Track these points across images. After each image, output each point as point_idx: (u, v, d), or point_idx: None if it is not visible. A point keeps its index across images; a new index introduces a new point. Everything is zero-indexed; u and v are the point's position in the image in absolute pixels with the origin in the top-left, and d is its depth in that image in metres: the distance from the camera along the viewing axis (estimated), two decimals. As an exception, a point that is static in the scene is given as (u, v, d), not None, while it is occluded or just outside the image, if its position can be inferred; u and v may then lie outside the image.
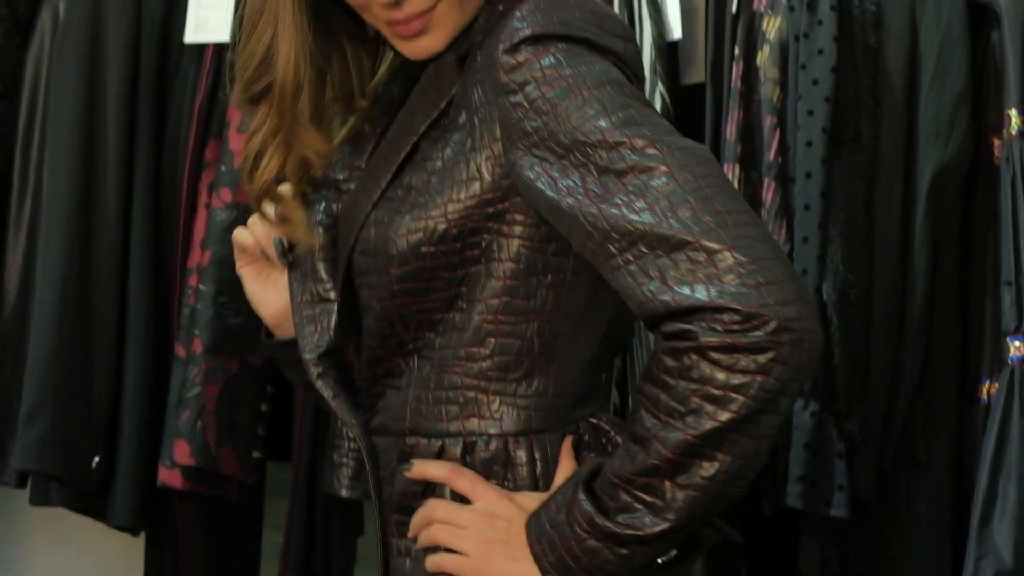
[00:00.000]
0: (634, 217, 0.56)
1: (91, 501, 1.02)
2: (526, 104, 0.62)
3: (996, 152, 1.06)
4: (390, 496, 0.69)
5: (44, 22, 1.02)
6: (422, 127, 0.68)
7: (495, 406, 0.67)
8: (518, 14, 0.63)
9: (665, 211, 0.55)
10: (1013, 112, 1.02)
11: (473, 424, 0.67)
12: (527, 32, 0.62)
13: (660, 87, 1.05)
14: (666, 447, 0.53)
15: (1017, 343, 1.02)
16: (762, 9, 1.05)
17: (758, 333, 0.52)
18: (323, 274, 0.72)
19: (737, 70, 1.04)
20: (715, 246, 0.54)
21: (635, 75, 0.66)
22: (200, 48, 0.98)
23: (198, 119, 0.98)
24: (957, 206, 1.08)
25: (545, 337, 0.67)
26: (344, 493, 0.85)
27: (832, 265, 1.02)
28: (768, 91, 1.04)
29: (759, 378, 0.52)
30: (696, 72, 1.10)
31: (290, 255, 0.73)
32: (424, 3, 0.65)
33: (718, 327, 0.52)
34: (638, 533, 0.56)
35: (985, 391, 1.06)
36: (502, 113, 0.63)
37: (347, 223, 0.71)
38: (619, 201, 0.57)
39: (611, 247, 0.57)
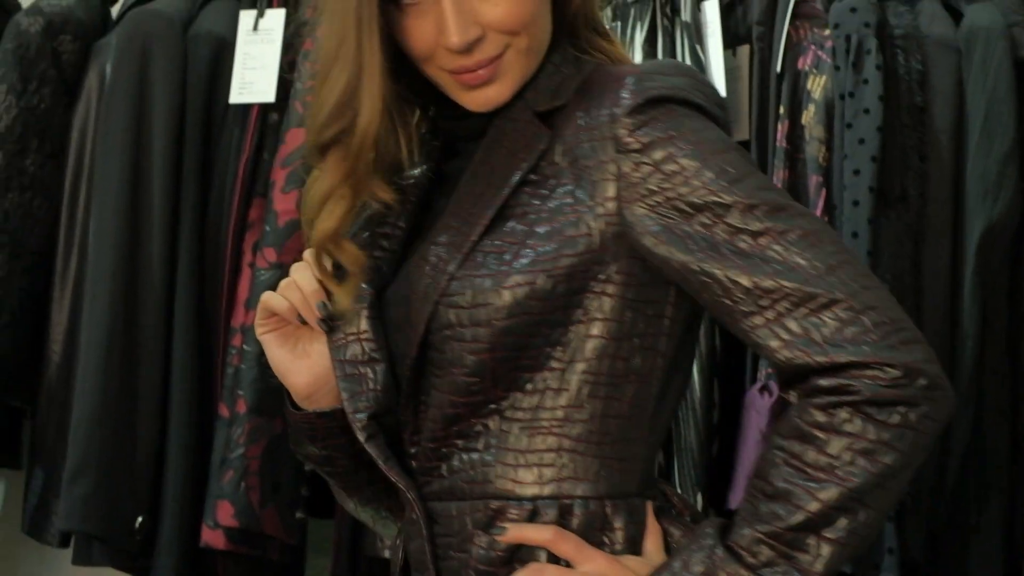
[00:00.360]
0: (779, 276, 0.58)
1: (134, 561, 1.01)
2: (651, 164, 0.63)
3: None
4: (463, 563, 0.67)
5: (91, 82, 1.03)
6: (512, 180, 0.67)
7: (594, 469, 0.66)
8: (632, 77, 0.65)
9: (808, 271, 0.57)
10: None
11: (569, 487, 0.66)
12: (650, 94, 0.63)
13: None
14: (817, 501, 0.54)
15: None
16: (807, 68, 1.05)
17: (913, 389, 0.54)
18: (370, 332, 0.69)
19: (782, 129, 1.05)
20: (860, 305, 0.56)
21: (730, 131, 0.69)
22: (245, 108, 0.99)
23: (242, 179, 0.98)
24: (1006, 265, 1.07)
25: (640, 400, 0.67)
26: (388, 554, 0.85)
27: None
28: (814, 150, 1.04)
29: (910, 432, 0.54)
30: (740, 130, 1.09)
31: (332, 321, 0.71)
32: (495, 48, 0.66)
33: (875, 382, 0.54)
34: None
35: None
36: (621, 172, 0.63)
37: (423, 276, 0.68)
38: (760, 260, 0.59)
39: (753, 305, 0.59)
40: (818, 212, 1.03)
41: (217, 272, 0.98)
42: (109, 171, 0.99)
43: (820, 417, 0.57)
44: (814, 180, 1.04)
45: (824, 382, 0.57)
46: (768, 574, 0.57)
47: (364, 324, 0.69)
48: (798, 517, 0.56)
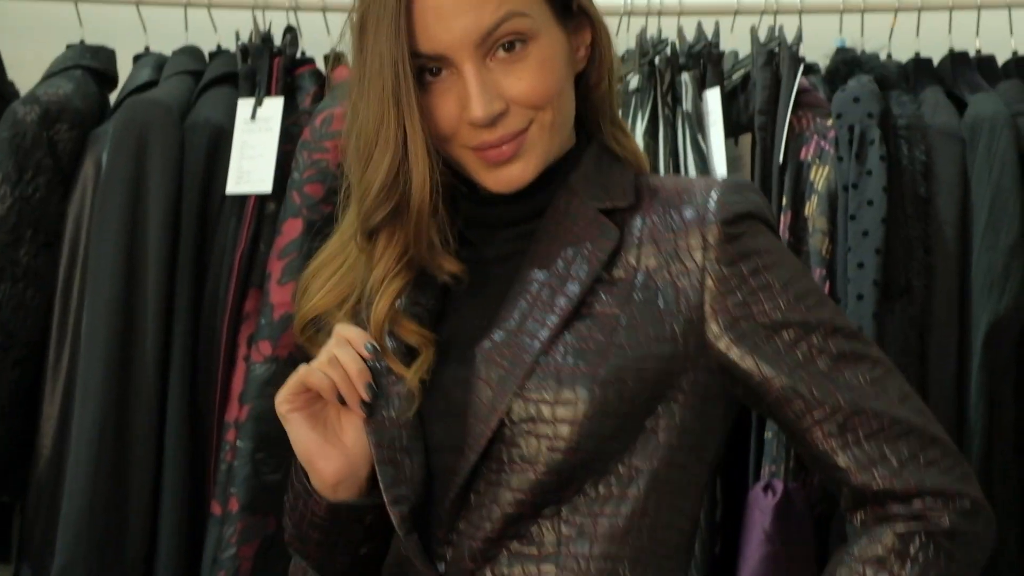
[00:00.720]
0: (861, 400, 0.62)
1: None
2: (740, 278, 0.64)
3: None
4: None
5: (87, 172, 1.01)
6: (587, 277, 0.66)
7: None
8: (719, 189, 0.66)
9: (885, 398, 0.62)
10: None
11: None
12: (740, 209, 0.64)
13: None
14: None
15: None
16: (809, 159, 1.05)
17: (979, 522, 0.60)
18: (413, 419, 0.68)
19: (785, 220, 1.04)
20: (929, 436, 0.61)
21: None
22: (242, 199, 0.98)
23: (238, 270, 0.97)
24: (1013, 360, 1.06)
25: (692, 509, 0.69)
26: None
27: None
28: (817, 242, 1.04)
29: (973, 565, 0.61)
30: None
31: (376, 403, 0.68)
32: (519, 123, 0.65)
33: (950, 514, 0.59)
34: None
35: None
36: (710, 282, 0.64)
37: (493, 366, 0.66)
38: (843, 383, 0.62)
39: (834, 425, 0.62)
40: None
41: (211, 365, 0.97)
42: (103, 261, 0.97)
43: (898, 544, 0.59)
44: (817, 273, 1.03)
45: (901, 509, 0.60)
46: None
47: (406, 411, 0.66)
48: None
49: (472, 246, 0.72)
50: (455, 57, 0.64)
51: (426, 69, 0.66)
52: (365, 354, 0.66)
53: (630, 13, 1.13)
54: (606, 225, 0.68)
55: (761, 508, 1.02)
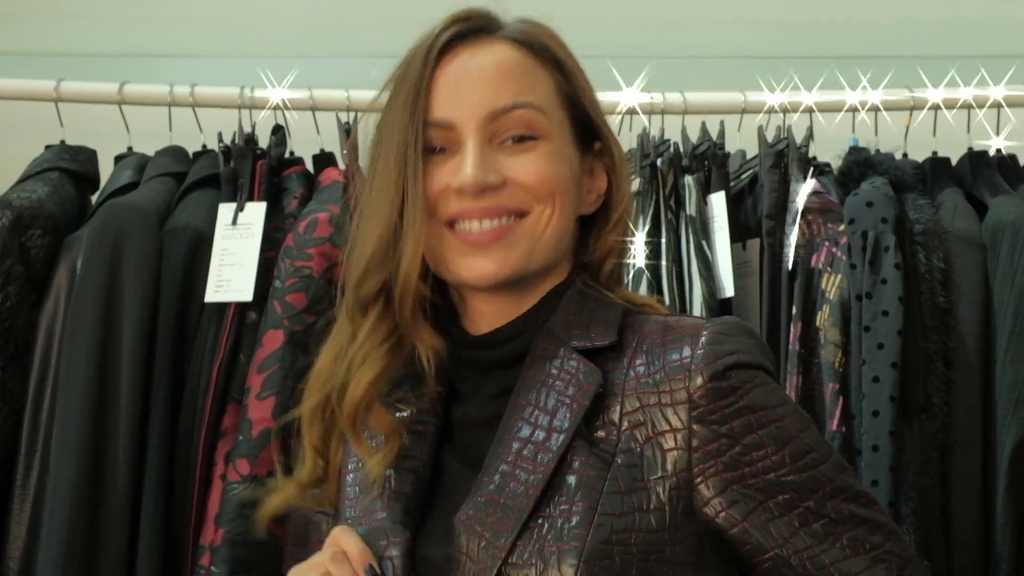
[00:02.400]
0: (868, 571, 0.59)
1: None
2: (730, 438, 0.60)
3: None
4: None
5: (60, 279, 0.97)
6: (569, 427, 0.63)
7: None
8: (706, 336, 0.62)
9: (890, 570, 0.59)
10: None
11: None
12: (729, 361, 0.60)
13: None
14: None
15: None
16: (820, 266, 1.01)
17: None
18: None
19: (795, 331, 1.00)
20: None
21: None
22: (222, 307, 0.94)
23: (216, 383, 0.92)
24: None
25: None
26: None
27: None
28: (829, 354, 0.98)
29: None
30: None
31: None
32: (510, 202, 0.64)
33: None
34: None
35: None
36: (697, 443, 0.60)
37: (474, 534, 0.63)
38: (839, 557, 0.59)
39: None
40: (834, 423, 0.98)
41: (187, 485, 0.92)
42: (75, 373, 0.93)
43: None
44: (830, 388, 0.98)
45: None
46: None
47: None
48: None
49: (462, 399, 0.69)
50: (461, 127, 0.64)
51: (434, 147, 0.65)
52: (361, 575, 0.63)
53: (632, 112, 1.10)
54: (588, 369, 0.64)
55: None
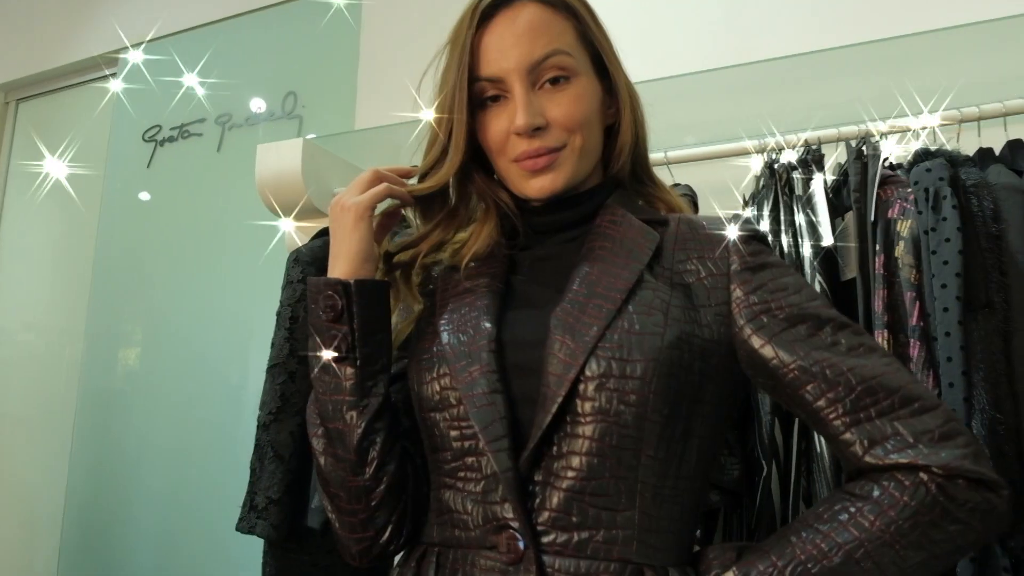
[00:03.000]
0: (877, 379, 0.62)
1: None
2: (761, 281, 0.69)
3: None
4: None
5: None
6: (641, 263, 0.70)
7: (688, 540, 0.68)
8: (743, 219, 0.73)
9: (904, 378, 0.63)
10: None
11: (683, 555, 0.65)
12: (755, 232, 0.73)
13: (820, 279, 1.23)
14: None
15: None
16: (895, 216, 1.19)
17: (989, 495, 0.61)
18: (495, 368, 0.67)
19: (879, 261, 1.17)
20: (949, 414, 0.63)
21: None
22: None
23: None
24: None
25: (705, 482, 0.71)
26: None
27: (979, 405, 1.08)
28: (906, 273, 1.15)
29: (969, 529, 0.61)
30: (848, 271, 1.24)
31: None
32: (555, 141, 0.72)
33: (955, 482, 0.60)
34: None
35: None
36: (737, 283, 0.69)
37: (568, 327, 0.66)
38: (857, 365, 0.63)
39: (849, 403, 0.62)
40: (913, 319, 1.13)
41: None
42: None
43: (894, 488, 0.61)
44: (908, 295, 1.14)
45: (906, 476, 0.61)
46: None
47: (487, 359, 0.68)
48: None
49: (527, 249, 0.80)
50: (508, 80, 0.72)
51: (487, 96, 0.74)
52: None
53: (763, 150, 1.36)
54: (649, 230, 0.73)
55: None
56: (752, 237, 0.72)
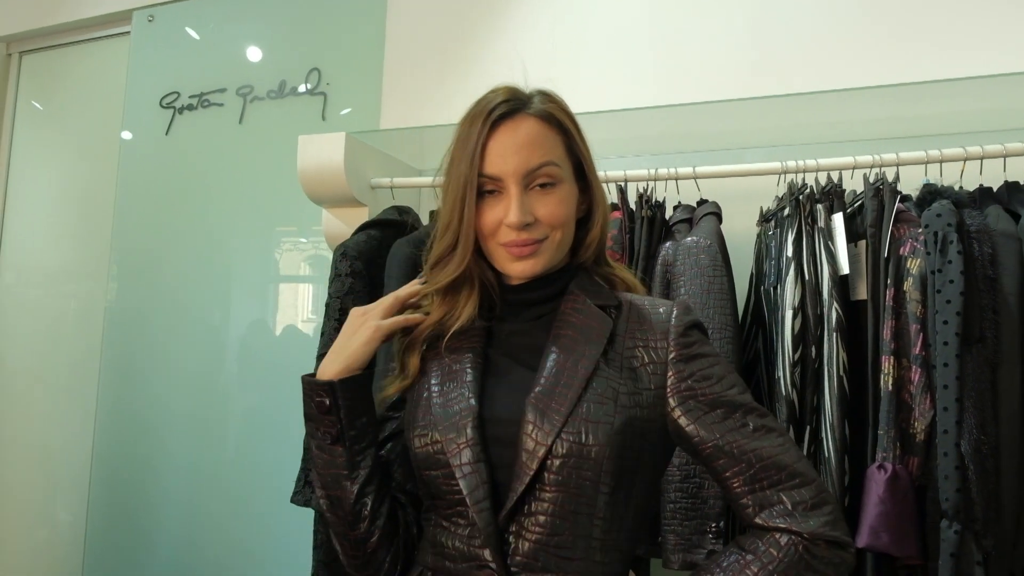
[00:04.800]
0: (779, 458, 0.75)
1: None
2: (693, 371, 0.80)
3: None
4: None
5: None
6: (596, 351, 0.80)
7: (626, 558, 0.81)
8: (678, 308, 0.83)
9: (791, 457, 0.76)
10: None
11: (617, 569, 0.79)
12: (692, 321, 0.83)
13: (836, 305, 1.33)
14: None
15: None
16: (906, 254, 1.30)
17: (836, 556, 0.74)
18: (478, 442, 0.79)
19: (890, 294, 1.28)
20: (822, 487, 0.76)
21: None
22: None
23: None
24: None
25: (642, 516, 0.83)
26: None
27: (967, 427, 1.20)
28: (913, 308, 1.26)
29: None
30: (859, 292, 1.34)
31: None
32: (539, 234, 0.83)
33: (817, 545, 0.74)
34: None
35: None
36: (672, 372, 0.80)
37: (540, 411, 0.77)
38: (757, 447, 0.76)
39: (748, 476, 0.76)
40: (916, 349, 1.25)
41: None
42: None
43: (773, 543, 0.75)
44: (913, 327, 1.26)
45: (783, 536, 0.74)
46: None
47: (472, 434, 0.78)
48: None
49: (502, 321, 0.89)
50: (506, 181, 0.81)
51: (486, 190, 0.82)
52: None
53: (785, 171, 1.46)
54: (605, 317, 0.83)
55: (876, 481, 1.24)
56: (690, 327, 0.82)
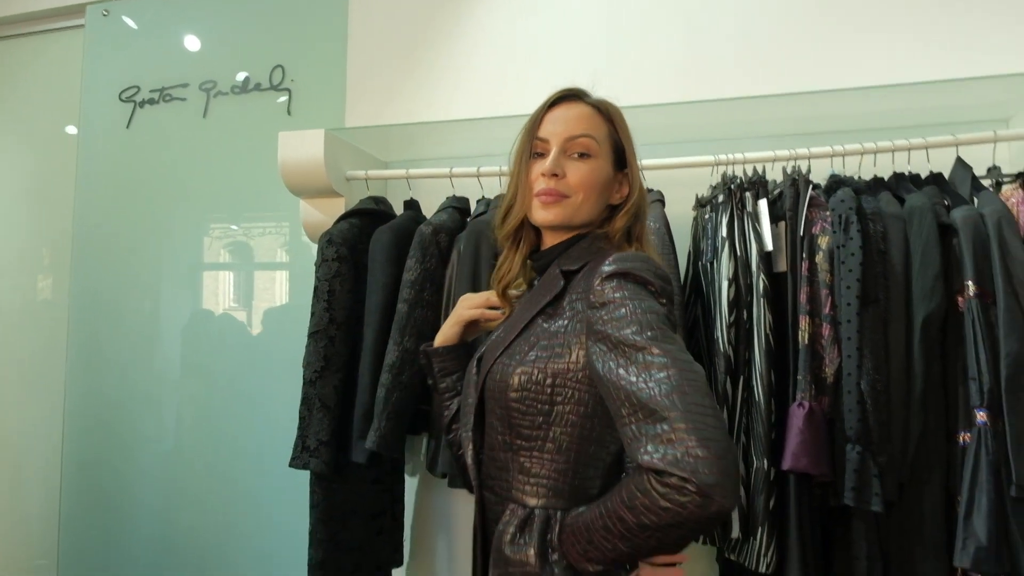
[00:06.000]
0: (640, 393, 0.75)
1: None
2: (601, 315, 0.85)
3: (960, 305, 1.44)
4: (496, 529, 0.91)
5: (454, 256, 1.73)
6: (536, 310, 0.94)
7: (565, 491, 0.90)
8: (609, 259, 0.87)
9: (658, 393, 0.74)
10: (969, 283, 1.41)
11: (550, 502, 0.90)
12: (615, 270, 0.86)
13: (762, 276, 1.52)
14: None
15: (980, 412, 1.37)
16: (817, 232, 1.50)
17: (687, 492, 0.71)
18: (476, 372, 1.00)
19: (805, 265, 1.49)
20: (681, 426, 0.72)
21: (671, 300, 0.87)
22: None
23: None
24: (938, 336, 1.43)
25: (590, 452, 0.92)
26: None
27: (865, 370, 1.42)
28: (823, 276, 1.47)
29: (678, 512, 0.72)
30: (780, 265, 1.55)
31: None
32: (566, 189, 0.95)
33: (668, 482, 0.72)
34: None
35: (962, 438, 1.40)
36: (588, 320, 0.86)
37: (490, 351, 0.96)
38: (634, 380, 0.76)
39: (623, 409, 0.77)
40: (826, 309, 1.44)
41: None
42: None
43: (634, 487, 0.76)
44: (824, 292, 1.45)
45: (647, 469, 0.74)
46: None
47: (475, 369, 1.00)
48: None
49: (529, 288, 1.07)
50: (551, 141, 0.96)
51: (536, 152, 0.97)
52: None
53: (717, 163, 1.67)
54: (559, 280, 0.94)
55: (797, 416, 1.44)
56: (609, 276, 0.85)
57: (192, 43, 2.60)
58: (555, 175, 0.93)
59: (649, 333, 0.79)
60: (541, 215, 0.96)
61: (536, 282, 1.02)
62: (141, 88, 2.68)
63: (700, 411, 0.72)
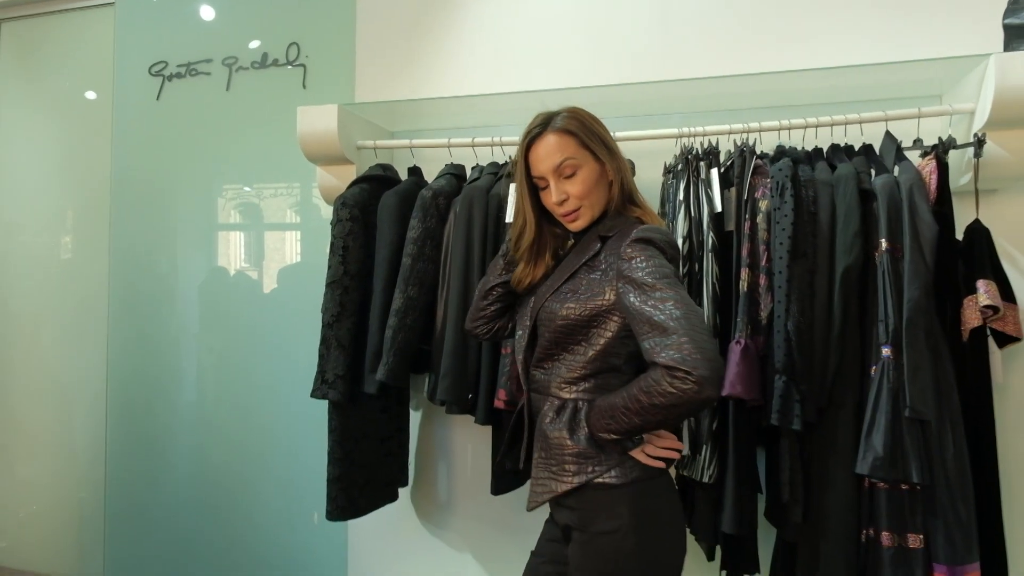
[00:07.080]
0: (656, 316, 1.05)
1: (469, 411, 1.99)
2: (627, 266, 1.14)
3: (876, 259, 1.62)
4: (542, 423, 1.20)
5: (451, 217, 1.97)
6: (580, 263, 1.23)
7: (589, 388, 1.21)
8: (637, 229, 1.17)
9: (669, 317, 1.04)
10: (883, 240, 1.60)
11: (578, 395, 1.21)
12: (639, 236, 1.18)
13: (711, 234, 1.74)
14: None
15: (885, 348, 1.57)
16: (759, 197, 1.70)
17: (688, 381, 1.00)
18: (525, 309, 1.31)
19: (747, 225, 1.70)
20: (685, 338, 1.01)
21: (677, 262, 1.18)
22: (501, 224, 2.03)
23: None
24: (856, 286, 1.63)
25: (609, 363, 1.21)
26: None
27: (792, 313, 1.62)
28: (761, 235, 1.68)
29: (680, 395, 1.00)
30: (729, 225, 1.76)
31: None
32: (573, 205, 1.24)
33: (677, 377, 1.00)
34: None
35: (872, 371, 1.60)
36: (619, 269, 1.15)
37: (540, 296, 1.26)
38: (651, 309, 1.06)
39: (644, 327, 1.07)
40: (763, 262, 1.64)
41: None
42: (456, 258, 2.00)
43: (651, 377, 1.02)
44: (762, 248, 1.66)
45: (661, 367, 1.00)
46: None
47: (529, 303, 1.31)
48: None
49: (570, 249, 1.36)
50: (547, 177, 1.24)
51: (540, 187, 1.27)
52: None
53: (680, 136, 1.90)
54: (596, 243, 1.24)
55: (735, 352, 1.64)
56: (635, 241, 1.15)
57: (214, 20, 2.79)
58: (562, 201, 1.22)
59: (663, 280, 1.07)
60: (573, 227, 1.28)
61: (566, 250, 1.33)
62: (168, 63, 2.89)
63: (698, 330, 1.00)
